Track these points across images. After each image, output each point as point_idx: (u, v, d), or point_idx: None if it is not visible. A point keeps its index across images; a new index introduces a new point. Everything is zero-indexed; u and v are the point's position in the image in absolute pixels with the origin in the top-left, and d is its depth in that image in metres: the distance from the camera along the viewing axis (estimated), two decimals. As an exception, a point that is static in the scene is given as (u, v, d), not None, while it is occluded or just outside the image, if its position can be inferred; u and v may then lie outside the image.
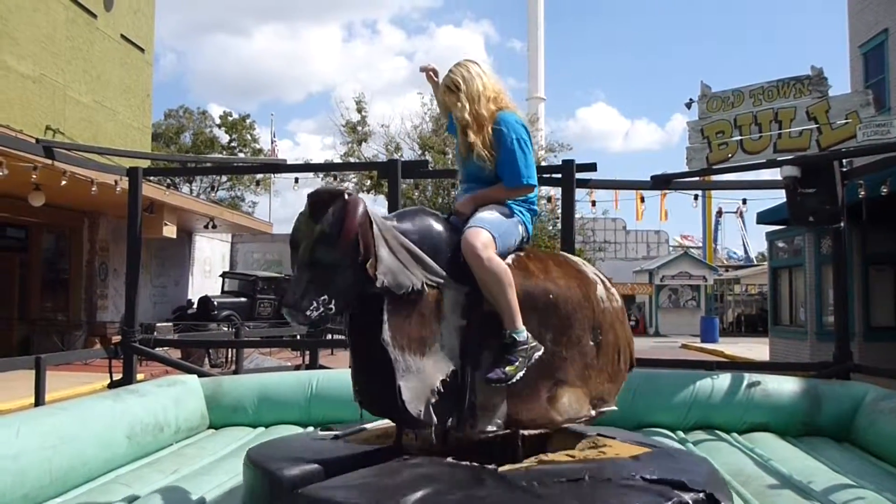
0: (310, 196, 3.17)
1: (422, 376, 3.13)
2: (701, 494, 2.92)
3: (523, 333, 3.28)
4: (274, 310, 24.24)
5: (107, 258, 19.48)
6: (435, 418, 3.14)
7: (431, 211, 3.52)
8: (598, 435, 3.64)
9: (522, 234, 3.61)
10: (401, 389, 3.06)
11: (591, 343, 3.54)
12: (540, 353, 3.32)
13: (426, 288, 3.22)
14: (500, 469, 3.13)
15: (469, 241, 3.27)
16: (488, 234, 3.33)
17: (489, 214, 3.47)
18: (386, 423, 3.74)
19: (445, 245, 3.34)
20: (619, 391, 3.73)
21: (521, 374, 3.22)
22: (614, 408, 3.64)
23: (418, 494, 2.77)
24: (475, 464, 3.19)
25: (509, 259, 3.46)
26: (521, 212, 3.61)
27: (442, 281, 3.27)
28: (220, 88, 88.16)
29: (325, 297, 3.02)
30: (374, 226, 3.11)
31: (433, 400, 3.14)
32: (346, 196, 3.12)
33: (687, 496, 2.88)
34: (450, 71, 3.68)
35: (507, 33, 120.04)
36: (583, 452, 3.40)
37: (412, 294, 3.17)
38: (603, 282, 3.73)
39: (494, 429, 3.30)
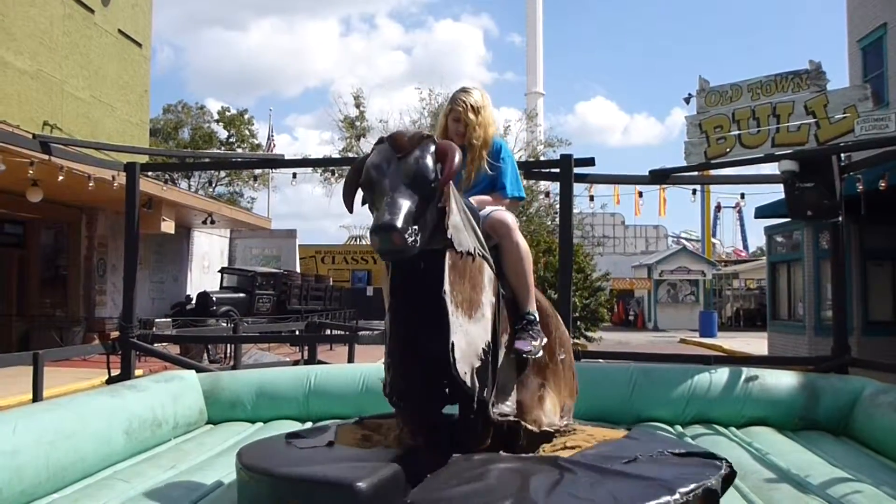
0: (393, 135, 3.15)
1: (469, 339, 3.08)
2: (725, 461, 3.18)
3: (537, 315, 3.53)
4: (272, 305, 24.26)
5: (105, 254, 19.47)
6: (476, 384, 3.07)
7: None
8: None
9: None
10: (453, 346, 2.97)
11: (560, 358, 3.76)
12: (545, 340, 3.53)
13: (477, 254, 3.22)
14: (558, 458, 3.23)
15: (500, 218, 3.50)
16: (514, 217, 3.60)
17: (501, 207, 3.71)
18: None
19: (479, 224, 3.43)
20: (572, 411, 3.86)
21: (541, 352, 3.45)
22: (569, 422, 3.72)
23: (532, 490, 2.81)
24: (533, 454, 3.33)
25: None
26: None
27: (486, 254, 3.33)
28: (217, 83, 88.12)
29: (416, 227, 2.91)
30: (454, 190, 3.17)
31: (476, 366, 3.09)
32: (443, 141, 3.18)
33: (720, 463, 3.14)
34: (469, 92, 3.86)
35: (506, 27, 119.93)
36: (584, 437, 3.51)
37: (467, 255, 3.16)
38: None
39: (508, 413, 3.38)
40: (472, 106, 3.77)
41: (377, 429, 3.76)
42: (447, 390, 3.35)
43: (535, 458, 3.26)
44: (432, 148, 3.07)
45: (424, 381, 3.30)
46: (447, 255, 3.06)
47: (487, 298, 3.24)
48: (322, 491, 2.89)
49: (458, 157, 3.08)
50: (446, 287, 3.00)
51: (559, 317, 3.94)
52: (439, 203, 3.06)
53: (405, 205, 2.90)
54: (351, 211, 3.23)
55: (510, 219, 3.53)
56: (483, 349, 3.14)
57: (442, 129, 3.90)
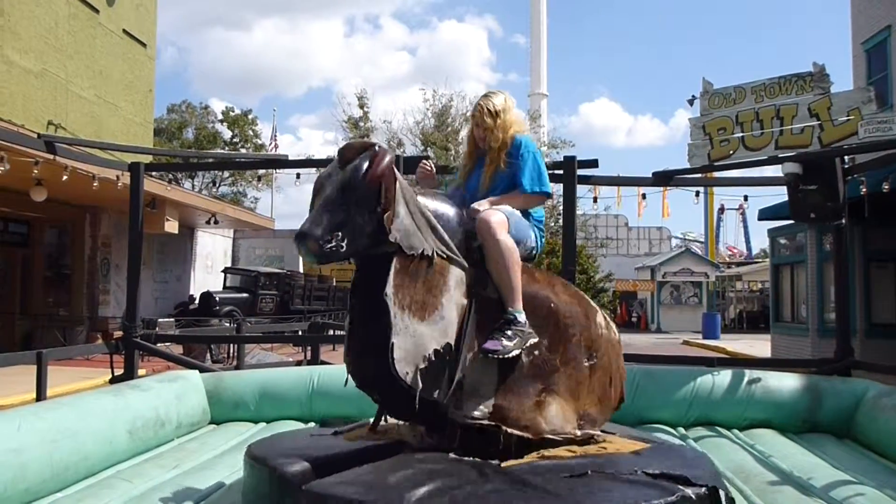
0: (341, 148, 3.31)
1: (416, 340, 3.14)
2: (703, 489, 2.93)
3: (522, 315, 3.39)
4: (276, 305, 24.27)
5: (108, 253, 19.50)
6: (421, 384, 3.11)
7: (451, 194, 3.73)
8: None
9: (534, 242, 3.77)
10: (393, 347, 3.05)
11: (586, 363, 3.58)
12: (534, 340, 3.40)
13: (436, 256, 3.26)
14: (504, 465, 3.14)
15: (484, 218, 3.46)
16: (504, 216, 3.52)
17: (506, 207, 3.65)
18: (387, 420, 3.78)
19: (458, 226, 3.46)
20: (605, 419, 3.72)
21: (516, 352, 3.31)
22: (597, 432, 3.59)
23: (423, 490, 2.78)
24: (477, 459, 3.20)
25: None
26: (535, 221, 3.82)
27: (452, 255, 3.34)
28: (221, 83, 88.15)
29: (340, 233, 3.03)
30: (398, 182, 3.18)
31: (422, 366, 3.13)
32: (376, 147, 3.21)
33: (689, 490, 2.89)
34: (489, 97, 3.90)
35: (510, 28, 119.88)
36: (583, 448, 3.40)
37: (422, 258, 3.21)
38: (602, 312, 3.82)
39: (480, 416, 3.29)
40: (489, 110, 3.82)
41: (387, 428, 3.80)
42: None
43: (466, 463, 3.17)
44: (371, 155, 3.17)
45: (386, 376, 3.22)
46: (395, 258, 3.14)
47: (451, 300, 3.29)
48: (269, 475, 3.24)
49: (385, 161, 3.13)
50: (388, 290, 3.09)
51: (594, 317, 3.72)
52: (379, 207, 3.11)
53: (327, 213, 3.04)
54: None
55: (494, 218, 3.45)
56: (436, 350, 3.19)
57: (469, 133, 4.01)
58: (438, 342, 3.21)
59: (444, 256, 3.30)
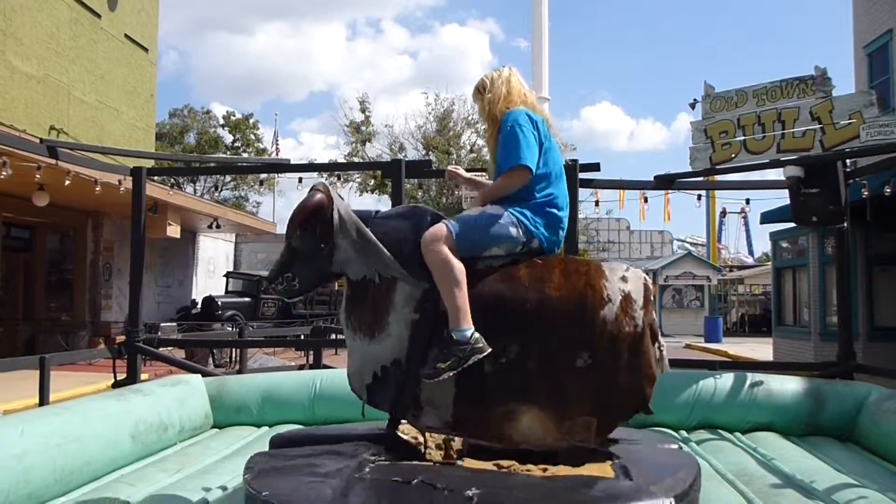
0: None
1: (365, 358, 3.40)
2: None
3: (466, 333, 3.20)
4: (278, 310, 24.28)
5: (111, 258, 19.53)
6: (365, 397, 3.42)
7: (425, 209, 3.56)
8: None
9: (520, 235, 3.43)
10: (348, 364, 3.49)
11: (579, 366, 3.22)
12: (481, 355, 3.18)
13: (378, 278, 3.37)
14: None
15: (425, 235, 3.33)
16: (446, 229, 3.33)
17: (469, 212, 3.51)
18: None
19: (412, 241, 3.38)
20: (609, 430, 3.35)
21: (450, 373, 3.15)
22: (588, 445, 3.26)
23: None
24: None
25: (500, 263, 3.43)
26: (519, 212, 3.46)
27: (398, 274, 3.34)
28: (222, 87, 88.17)
29: (290, 274, 3.40)
30: (335, 217, 3.33)
31: (368, 381, 3.40)
32: (312, 189, 3.43)
33: None
34: (482, 79, 3.84)
35: (512, 32, 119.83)
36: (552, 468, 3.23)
37: (366, 282, 3.39)
38: (625, 300, 3.30)
39: (439, 426, 3.34)
40: (477, 90, 3.79)
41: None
42: None
43: (411, 467, 3.22)
44: (303, 204, 3.39)
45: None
46: (346, 284, 3.47)
47: (398, 318, 3.34)
48: None
49: (313, 200, 3.34)
50: (342, 314, 3.49)
51: (599, 312, 3.27)
52: (323, 245, 3.37)
53: (278, 259, 3.45)
54: None
55: (428, 236, 3.31)
56: (384, 366, 3.36)
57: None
58: (386, 359, 3.35)
59: (389, 277, 3.36)
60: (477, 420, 3.28)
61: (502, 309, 3.31)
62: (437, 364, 3.19)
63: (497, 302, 3.31)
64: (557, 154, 3.65)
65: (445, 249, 3.26)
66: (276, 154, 37.93)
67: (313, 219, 3.32)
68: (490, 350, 3.20)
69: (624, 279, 3.36)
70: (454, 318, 3.21)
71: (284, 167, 8.46)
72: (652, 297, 3.42)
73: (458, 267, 3.25)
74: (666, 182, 7.24)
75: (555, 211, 3.53)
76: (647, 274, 3.60)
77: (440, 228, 3.33)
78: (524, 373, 3.24)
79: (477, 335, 3.21)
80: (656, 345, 3.41)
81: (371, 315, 3.36)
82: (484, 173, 4.34)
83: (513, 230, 3.42)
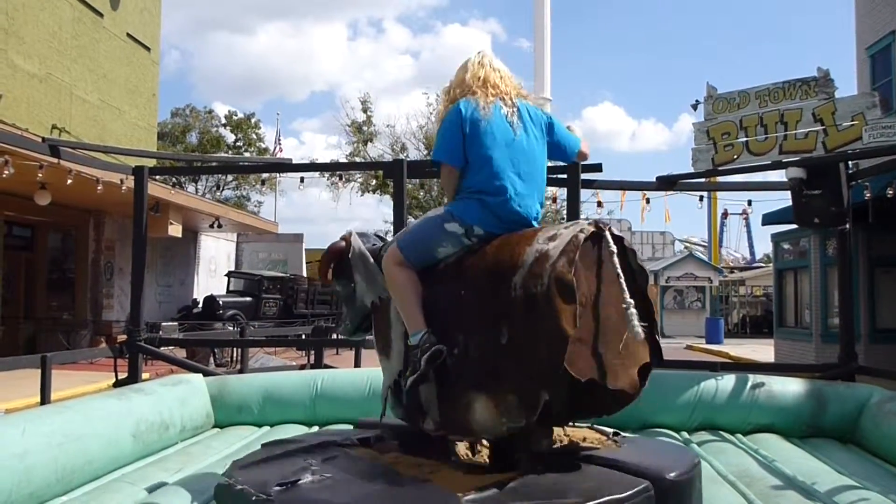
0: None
1: (386, 375, 3.63)
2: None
3: (417, 336, 3.25)
4: (279, 309, 24.29)
5: (112, 257, 19.54)
6: (392, 411, 3.58)
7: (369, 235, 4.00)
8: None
9: (457, 229, 3.35)
10: (383, 383, 3.66)
11: (503, 343, 3.03)
12: (431, 353, 3.15)
13: (379, 301, 3.66)
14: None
15: (383, 259, 3.57)
16: (395, 248, 3.47)
17: (413, 222, 3.74)
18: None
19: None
20: (536, 405, 2.90)
21: (414, 376, 3.20)
22: (521, 424, 2.99)
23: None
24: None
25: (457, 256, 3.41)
26: (453, 206, 3.43)
27: (383, 294, 3.63)
28: (223, 86, 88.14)
29: (344, 315, 3.89)
30: (351, 257, 3.70)
31: (387, 395, 3.58)
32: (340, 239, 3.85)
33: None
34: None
35: (514, 32, 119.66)
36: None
37: (375, 308, 3.71)
38: (537, 260, 2.99)
39: (433, 428, 3.35)
40: (438, 96, 3.91)
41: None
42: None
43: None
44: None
45: None
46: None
47: (396, 333, 3.54)
48: None
49: (325, 252, 3.81)
50: (374, 338, 3.77)
51: (509, 281, 3.05)
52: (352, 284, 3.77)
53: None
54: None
55: (384, 258, 3.51)
56: (395, 379, 3.52)
57: None
58: (395, 372, 3.53)
59: (384, 297, 3.62)
60: (451, 415, 3.22)
61: (450, 302, 3.28)
62: (406, 372, 3.39)
63: (445, 296, 3.30)
64: (491, 132, 3.40)
65: (392, 267, 3.45)
66: (279, 154, 37.93)
67: (339, 263, 3.77)
68: (438, 347, 3.17)
69: (552, 237, 3.05)
70: (408, 326, 3.37)
71: (286, 167, 8.45)
72: (581, 249, 2.96)
73: (402, 280, 3.41)
74: (668, 183, 7.23)
75: (483, 196, 3.35)
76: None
77: (391, 250, 3.51)
78: (471, 361, 3.14)
79: (426, 336, 3.23)
80: (577, 301, 2.88)
81: (382, 335, 3.65)
82: None
83: (449, 226, 3.37)
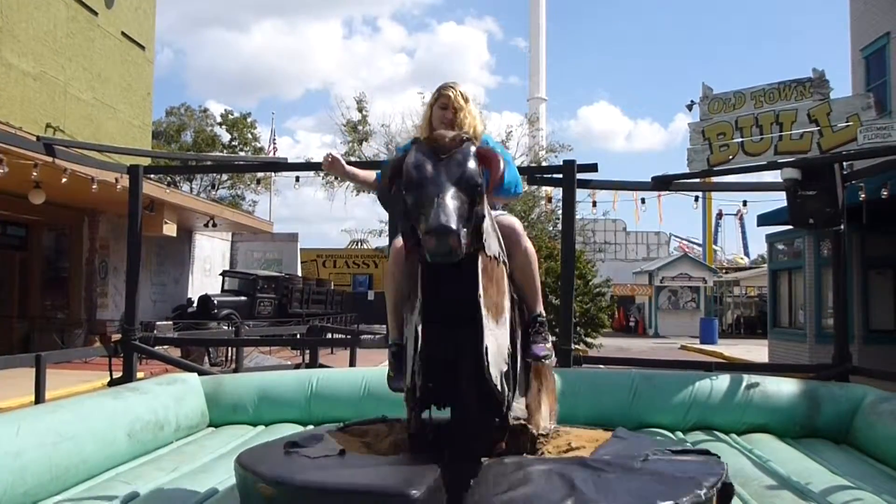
0: (433, 136, 3.13)
1: (499, 343, 3.06)
2: (724, 462, 3.20)
3: (543, 314, 3.47)
4: (274, 309, 24.27)
5: (107, 256, 19.49)
6: (506, 390, 3.08)
7: None
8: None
9: None
10: (486, 351, 2.95)
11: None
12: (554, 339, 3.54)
13: (500, 259, 3.21)
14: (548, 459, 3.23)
15: (511, 223, 3.47)
16: (518, 222, 3.55)
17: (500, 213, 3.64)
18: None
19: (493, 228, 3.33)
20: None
21: (553, 356, 3.44)
22: (556, 425, 3.67)
23: (584, 490, 2.76)
24: (550, 457, 3.28)
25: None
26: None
27: (505, 258, 3.31)
28: (217, 84, 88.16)
29: (466, 230, 2.86)
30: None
31: (503, 370, 3.06)
32: (480, 144, 3.17)
33: (719, 466, 3.13)
34: (458, 84, 3.77)
35: (510, 31, 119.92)
36: (578, 440, 3.45)
37: (495, 260, 3.14)
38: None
39: (520, 416, 3.40)
40: (461, 94, 3.70)
41: (367, 434, 3.67)
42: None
43: (564, 460, 3.17)
44: (473, 150, 3.04)
45: (446, 385, 3.19)
46: (479, 259, 3.02)
47: (508, 302, 3.22)
48: (371, 500, 2.79)
49: (503, 162, 3.09)
50: (480, 292, 2.96)
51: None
52: (478, 206, 3.00)
53: (456, 207, 2.84)
54: (388, 210, 3.32)
55: (517, 224, 3.50)
56: (510, 352, 3.16)
57: (427, 119, 3.78)
58: (507, 345, 3.16)
59: (504, 260, 3.27)
60: (532, 407, 3.51)
61: None
62: (546, 345, 3.40)
63: None
64: None
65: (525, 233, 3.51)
66: (274, 153, 37.87)
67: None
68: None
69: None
70: (539, 301, 3.46)
71: (282, 166, 8.44)
72: None
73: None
74: (663, 183, 7.24)
75: None
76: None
77: (519, 221, 3.55)
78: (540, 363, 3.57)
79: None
80: None
81: (496, 296, 3.12)
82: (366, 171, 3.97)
83: None
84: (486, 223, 3.06)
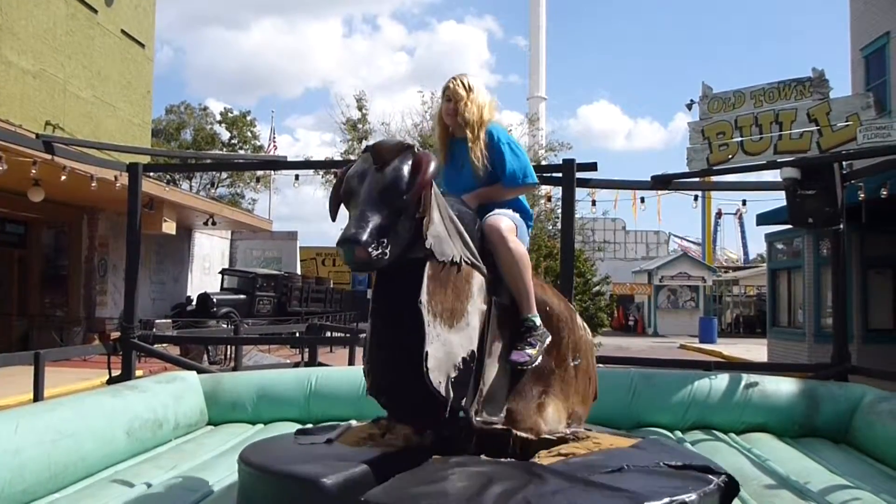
0: (374, 145, 3.16)
1: (447, 348, 3.05)
2: (724, 477, 3.07)
3: (538, 319, 3.41)
4: (273, 307, 24.27)
5: (106, 254, 19.49)
6: (452, 395, 3.05)
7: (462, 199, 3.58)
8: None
9: (527, 239, 3.70)
10: (427, 356, 2.95)
11: (572, 363, 3.62)
12: (549, 340, 3.43)
13: (463, 263, 3.20)
14: (538, 463, 3.17)
15: (493, 223, 3.43)
16: (510, 220, 3.50)
17: (506, 210, 3.61)
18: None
19: (474, 230, 3.40)
20: (586, 417, 3.73)
21: (539, 359, 3.35)
22: (581, 429, 3.58)
23: (496, 492, 2.75)
24: (512, 460, 3.22)
25: None
26: (519, 216, 3.68)
27: (475, 261, 3.30)
28: (217, 83, 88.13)
29: (385, 240, 2.91)
30: (433, 187, 3.11)
31: (453, 375, 3.06)
32: (416, 150, 3.13)
33: (717, 479, 3.02)
34: (463, 75, 3.80)
35: (510, 30, 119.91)
36: (584, 445, 3.40)
37: (451, 265, 3.14)
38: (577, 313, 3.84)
39: (496, 421, 3.29)
40: (462, 83, 3.71)
41: (389, 429, 3.66)
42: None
43: (511, 464, 3.15)
44: (410, 159, 3.06)
45: (410, 384, 3.15)
46: (427, 264, 3.04)
47: (474, 307, 3.22)
48: (290, 485, 3.02)
49: (432, 167, 3.06)
50: (423, 297, 2.98)
51: (576, 319, 3.77)
52: (417, 213, 3.02)
53: (373, 218, 2.90)
54: (334, 219, 3.28)
55: (503, 223, 3.42)
56: (464, 358, 3.13)
57: (438, 114, 3.86)
58: (466, 350, 3.15)
59: (469, 262, 3.25)
60: (521, 412, 3.36)
61: (538, 308, 3.53)
62: (527, 350, 3.32)
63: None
64: None
65: (516, 238, 3.46)
66: (273, 151, 37.85)
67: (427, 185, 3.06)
68: (550, 338, 3.45)
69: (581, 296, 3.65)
70: (529, 304, 3.41)
71: (281, 164, 8.43)
72: None
73: (525, 255, 3.46)
74: (663, 183, 7.23)
75: (530, 223, 3.82)
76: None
77: (507, 221, 3.49)
78: (549, 367, 3.50)
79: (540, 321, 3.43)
80: None
81: (452, 301, 3.12)
82: None
83: (526, 235, 3.71)
84: (437, 229, 3.07)
